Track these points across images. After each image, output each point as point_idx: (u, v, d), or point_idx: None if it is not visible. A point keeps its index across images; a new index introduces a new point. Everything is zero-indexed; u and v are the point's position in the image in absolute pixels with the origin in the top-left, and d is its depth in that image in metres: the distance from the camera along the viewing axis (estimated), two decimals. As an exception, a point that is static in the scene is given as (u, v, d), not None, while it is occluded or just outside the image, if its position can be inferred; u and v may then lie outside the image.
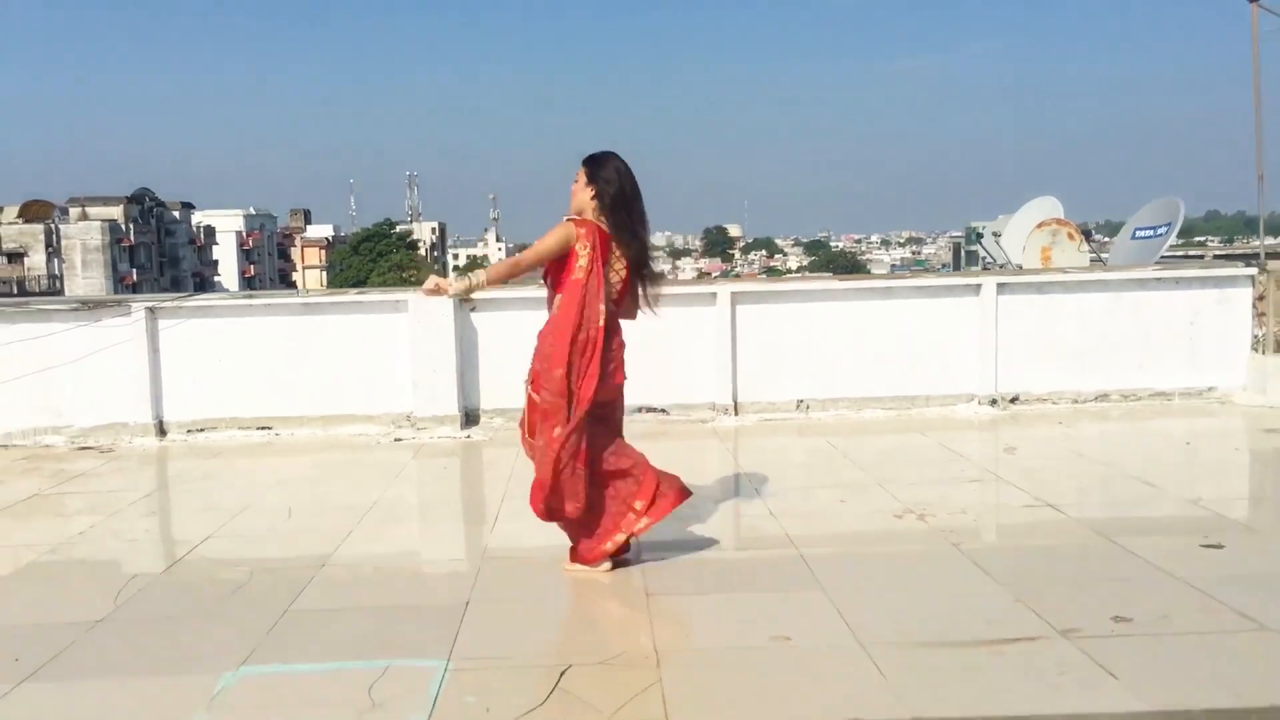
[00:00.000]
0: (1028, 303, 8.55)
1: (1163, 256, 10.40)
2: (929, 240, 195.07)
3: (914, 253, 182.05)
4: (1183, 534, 5.17)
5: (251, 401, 8.32)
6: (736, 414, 8.45)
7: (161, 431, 8.28)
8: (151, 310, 8.24)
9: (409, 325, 8.27)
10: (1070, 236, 10.97)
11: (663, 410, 8.48)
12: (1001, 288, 8.49)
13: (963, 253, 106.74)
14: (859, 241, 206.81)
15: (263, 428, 8.33)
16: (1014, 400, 8.54)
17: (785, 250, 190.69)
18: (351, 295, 8.58)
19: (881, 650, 3.73)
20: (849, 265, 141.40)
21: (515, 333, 8.08)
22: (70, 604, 4.57)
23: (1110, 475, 6.41)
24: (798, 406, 8.53)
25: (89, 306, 8.31)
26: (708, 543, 5.26)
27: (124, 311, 8.22)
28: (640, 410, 8.40)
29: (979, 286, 8.53)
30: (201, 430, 8.31)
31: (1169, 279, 8.63)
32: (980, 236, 13.55)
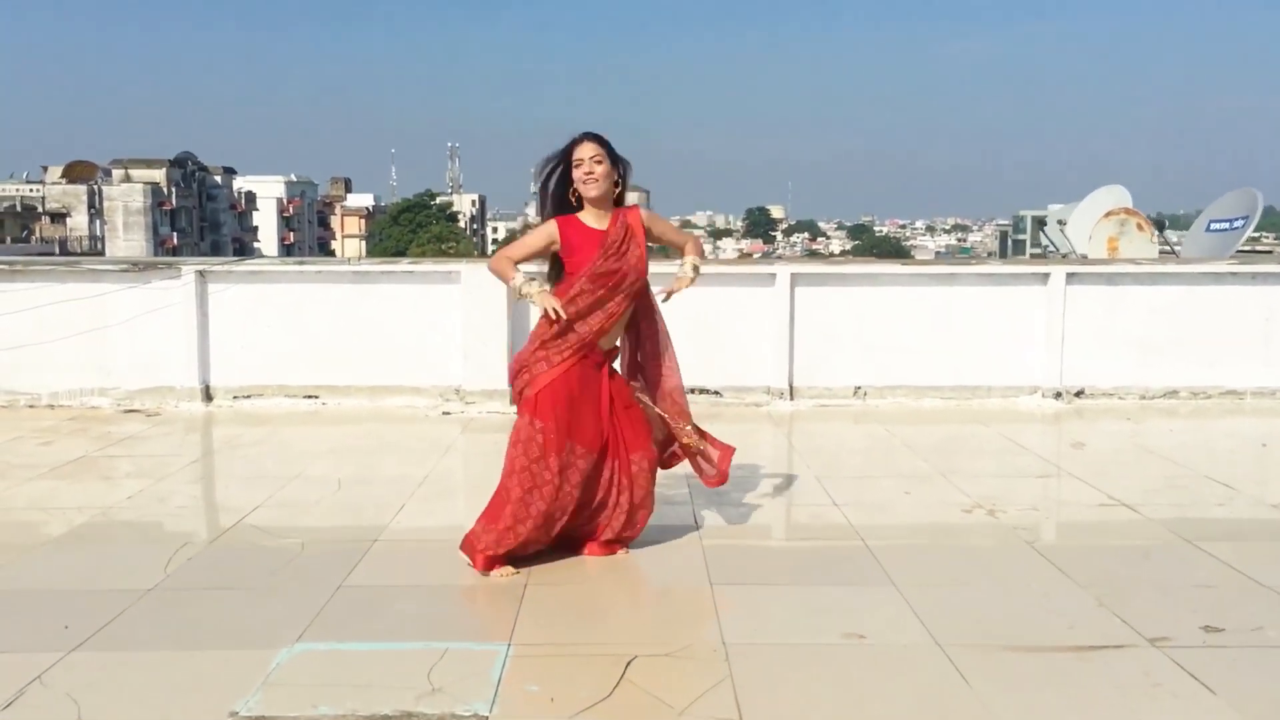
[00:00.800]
0: (1097, 294, 8.29)
1: (1239, 250, 10.07)
2: (975, 227, 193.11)
3: (959, 240, 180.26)
4: (1266, 539, 4.97)
5: (299, 369, 8.23)
6: (792, 398, 8.27)
7: (208, 396, 8.21)
8: (202, 274, 8.16)
9: (461, 297, 8.13)
10: (1140, 227, 10.64)
11: (715, 392, 8.30)
12: (1071, 278, 8.23)
13: (1010, 241, 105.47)
14: (903, 227, 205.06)
15: (309, 396, 8.23)
16: (1079, 394, 8.30)
17: (828, 234, 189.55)
18: (404, 265, 8.46)
19: (961, 653, 3.55)
20: (893, 250, 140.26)
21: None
22: (120, 571, 4.47)
23: (1183, 475, 6.16)
24: (855, 393, 8.33)
25: (139, 268, 8.24)
26: (770, 531, 5.11)
27: (174, 274, 8.14)
28: (692, 391, 8.21)
29: (1047, 275, 8.28)
30: (248, 397, 8.23)
31: (1245, 274, 8.34)
32: (1044, 224, 13.20)
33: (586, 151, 4.41)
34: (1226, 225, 10.05)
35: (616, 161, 4.47)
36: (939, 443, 7.01)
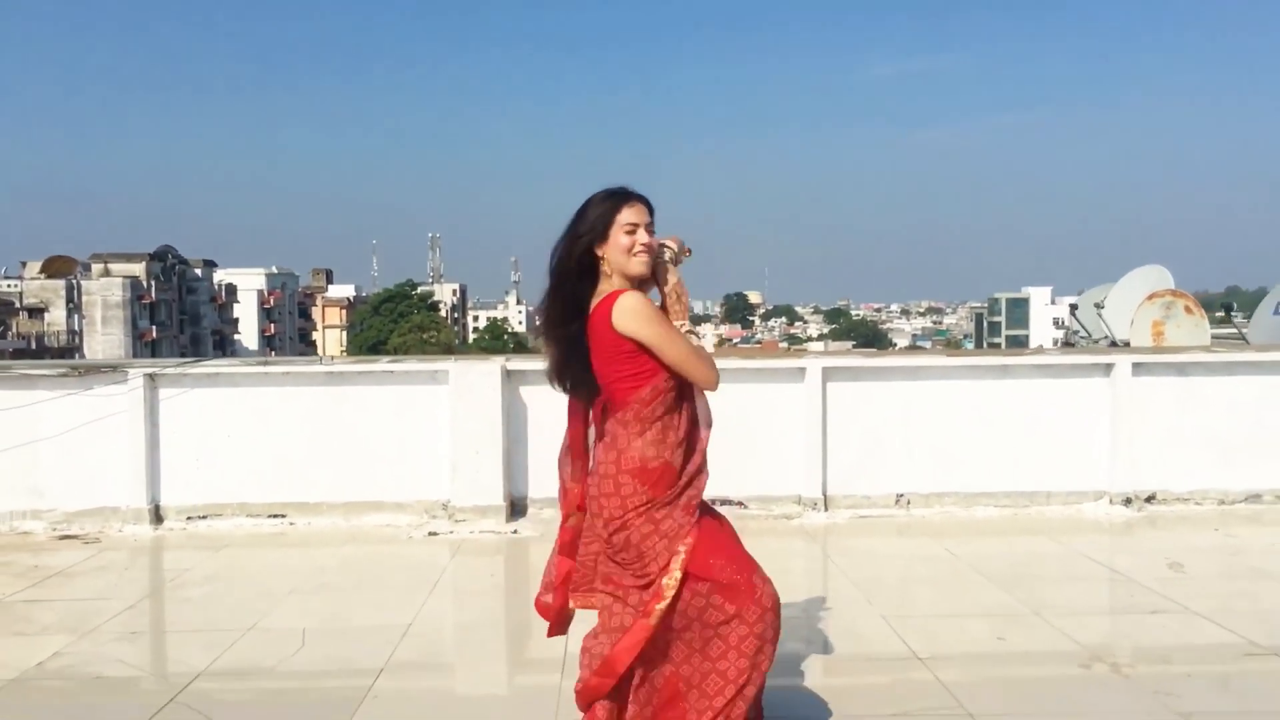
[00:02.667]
0: (1167, 386, 7.36)
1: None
2: (949, 310, 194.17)
3: (935, 322, 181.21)
4: None
5: (263, 485, 7.17)
6: (826, 509, 7.25)
7: (158, 518, 7.13)
8: (151, 377, 7.13)
9: (449, 399, 7.12)
10: (1188, 310, 9.78)
11: (740, 504, 7.28)
12: (1137, 368, 7.30)
13: (985, 323, 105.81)
14: (879, 310, 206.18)
15: (275, 515, 7.16)
16: (1150, 499, 7.31)
17: (805, 318, 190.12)
18: (383, 364, 7.45)
19: None
20: (870, 334, 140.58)
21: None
22: (7, 782, 3.39)
23: (1318, 605, 5.15)
24: (897, 501, 7.32)
25: (80, 372, 7.19)
26: (848, 697, 4.03)
27: (120, 378, 7.10)
28: (714, 503, 7.19)
29: (1111, 366, 7.34)
30: (204, 517, 7.15)
31: (1333, 361, 7.43)
32: (1075, 308, 12.40)
33: (643, 216, 3.25)
34: (1301, 308, 9.20)
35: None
36: (1012, 566, 5.98)
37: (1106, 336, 11.09)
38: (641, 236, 3.23)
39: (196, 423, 7.20)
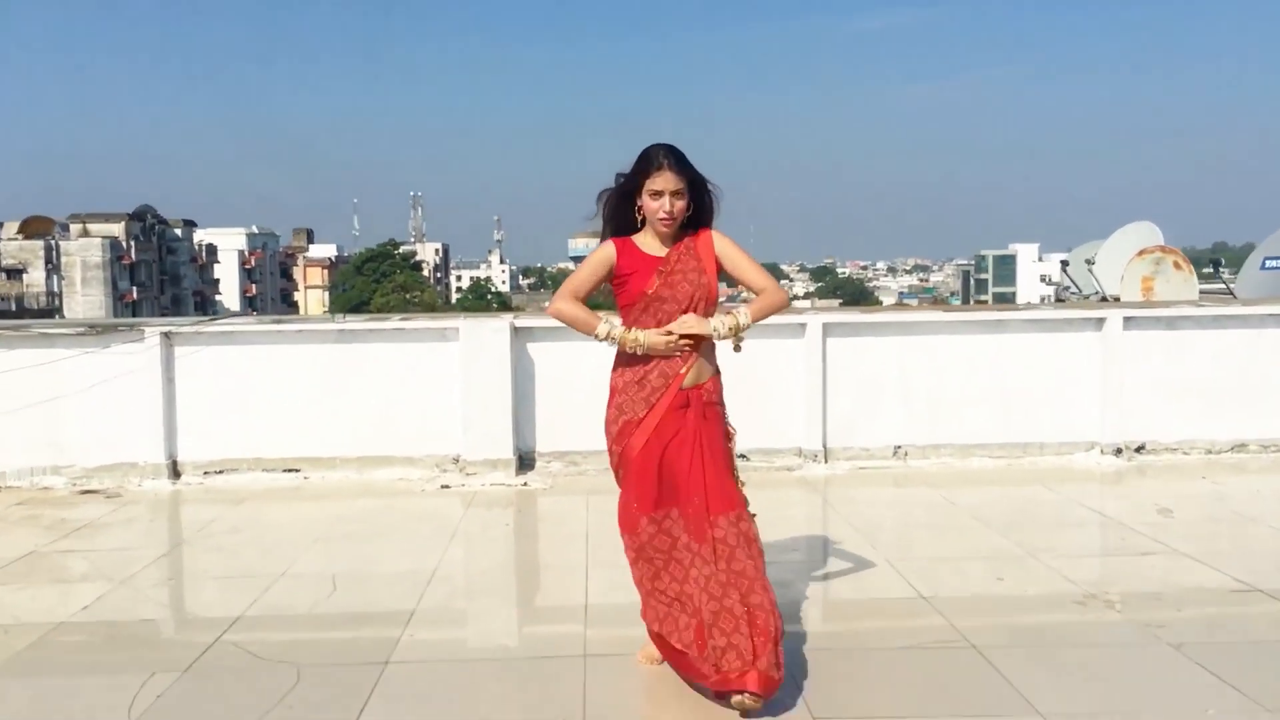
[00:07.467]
0: (1156, 339, 7.58)
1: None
2: (935, 268, 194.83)
3: (921, 280, 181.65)
4: None
5: (278, 440, 7.35)
6: (826, 460, 7.48)
7: (175, 473, 7.30)
8: (167, 336, 7.28)
9: (460, 356, 7.29)
10: (1177, 265, 10.00)
11: (742, 456, 7.47)
12: (1128, 322, 7.53)
13: (972, 280, 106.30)
14: (865, 268, 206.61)
15: (290, 469, 7.34)
16: (1139, 449, 7.56)
17: (791, 276, 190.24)
18: (394, 322, 7.60)
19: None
20: (856, 292, 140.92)
21: (575, 365, 7.15)
22: (75, 715, 3.58)
23: (1299, 546, 5.42)
24: (895, 453, 7.55)
25: (97, 331, 7.33)
26: (860, 634, 4.28)
27: (137, 337, 7.24)
28: (717, 455, 7.43)
29: (1102, 321, 7.56)
30: (220, 472, 7.33)
31: (1316, 314, 7.67)
32: (1066, 264, 12.61)
33: (668, 184, 3.69)
34: (1285, 262, 9.42)
35: (699, 191, 3.78)
36: (1007, 511, 6.23)
37: (1097, 292, 11.32)
38: (665, 203, 3.69)
39: (211, 380, 7.36)
